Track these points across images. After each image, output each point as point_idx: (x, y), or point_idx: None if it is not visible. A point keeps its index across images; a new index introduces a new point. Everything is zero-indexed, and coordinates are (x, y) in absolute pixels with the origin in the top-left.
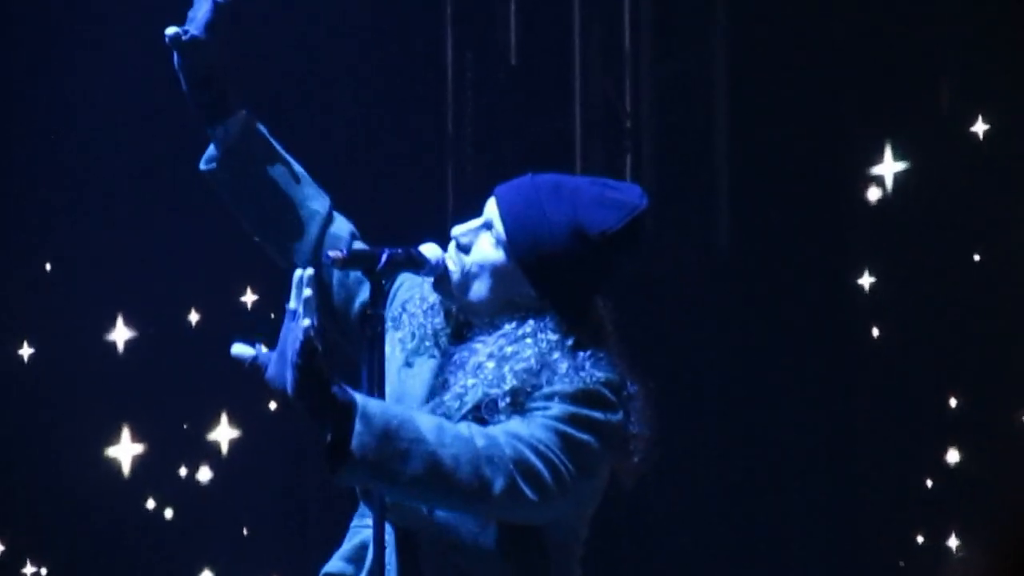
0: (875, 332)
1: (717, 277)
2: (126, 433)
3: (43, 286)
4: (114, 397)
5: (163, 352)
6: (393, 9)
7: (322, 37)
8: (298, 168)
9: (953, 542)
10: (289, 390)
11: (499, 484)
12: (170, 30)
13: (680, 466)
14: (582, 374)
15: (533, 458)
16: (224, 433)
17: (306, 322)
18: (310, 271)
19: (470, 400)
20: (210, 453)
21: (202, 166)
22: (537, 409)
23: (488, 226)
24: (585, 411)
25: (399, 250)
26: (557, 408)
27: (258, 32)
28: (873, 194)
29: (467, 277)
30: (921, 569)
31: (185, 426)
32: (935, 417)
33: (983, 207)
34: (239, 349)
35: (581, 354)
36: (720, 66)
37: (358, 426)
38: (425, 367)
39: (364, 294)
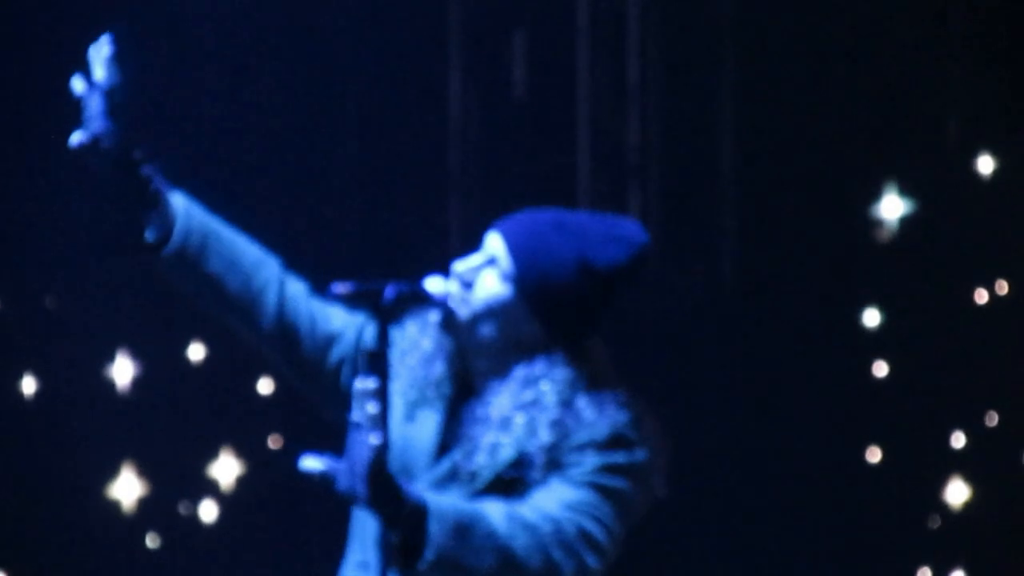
0: (881, 368)
1: (722, 312)
2: (127, 470)
3: (44, 321)
4: (115, 433)
5: (165, 387)
6: (398, 43)
7: (327, 72)
8: (241, 238)
9: None
10: (362, 501)
11: (568, 566)
12: (74, 138)
13: (682, 499)
14: (606, 418)
15: (590, 526)
16: (226, 469)
17: (373, 440)
18: (371, 383)
19: (504, 457)
20: (211, 489)
21: (144, 251)
22: (572, 465)
23: (492, 262)
24: (616, 458)
25: (404, 286)
26: (591, 461)
27: (260, 69)
28: (879, 231)
29: (474, 316)
30: None
31: (186, 462)
32: (942, 454)
33: (990, 245)
34: (309, 463)
35: (598, 393)
36: (727, 102)
37: (432, 526)
38: (430, 420)
39: (342, 346)
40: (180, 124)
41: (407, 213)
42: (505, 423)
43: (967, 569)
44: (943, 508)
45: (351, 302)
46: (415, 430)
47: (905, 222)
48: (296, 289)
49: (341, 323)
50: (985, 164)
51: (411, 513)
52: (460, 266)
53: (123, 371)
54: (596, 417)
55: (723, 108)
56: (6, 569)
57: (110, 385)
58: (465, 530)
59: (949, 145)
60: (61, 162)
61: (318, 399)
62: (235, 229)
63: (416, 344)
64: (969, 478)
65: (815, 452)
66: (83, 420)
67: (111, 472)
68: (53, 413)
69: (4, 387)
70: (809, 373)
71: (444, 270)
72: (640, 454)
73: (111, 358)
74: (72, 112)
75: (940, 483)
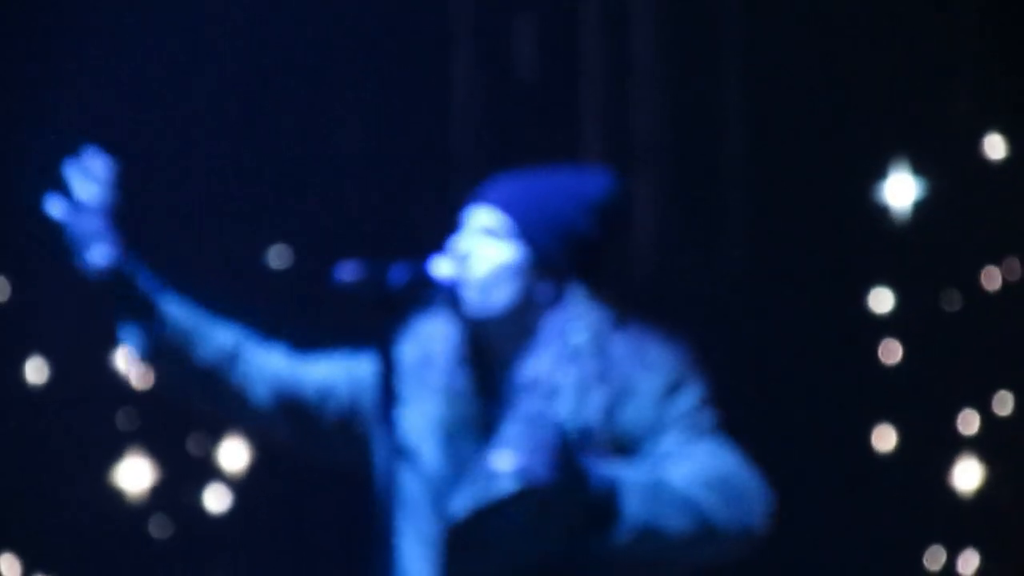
0: (891, 351)
1: (731, 296)
2: (135, 457)
3: (51, 307)
4: (123, 419)
5: None
6: (401, 26)
7: (329, 56)
8: (217, 332)
9: (972, 564)
10: (556, 489)
11: (750, 514)
12: (93, 260)
13: None
14: (663, 357)
15: (739, 469)
16: (234, 456)
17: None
18: (543, 363)
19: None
20: (220, 477)
21: (133, 353)
22: (667, 416)
23: (487, 232)
24: (699, 392)
25: (410, 269)
26: (684, 406)
27: (260, 51)
28: (890, 213)
29: (486, 290)
30: None
31: (194, 449)
32: (953, 437)
33: (1001, 225)
34: (502, 462)
35: (629, 332)
36: (735, 84)
37: (625, 497)
38: (472, 426)
39: (339, 396)
40: (178, 106)
41: (408, 198)
42: (552, 386)
43: (980, 550)
44: (955, 491)
45: (356, 290)
46: (460, 444)
47: (916, 204)
48: (275, 361)
49: (325, 373)
50: (996, 145)
51: (600, 488)
52: (453, 248)
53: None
54: (654, 358)
55: (731, 90)
56: (15, 553)
57: (117, 371)
58: (653, 495)
59: (959, 125)
60: (69, 144)
61: (343, 457)
62: (208, 316)
63: (430, 358)
64: (982, 461)
65: (825, 434)
66: (90, 406)
67: (118, 458)
68: (61, 399)
69: (12, 372)
70: (817, 356)
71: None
72: (702, 382)
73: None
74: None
75: (951, 466)
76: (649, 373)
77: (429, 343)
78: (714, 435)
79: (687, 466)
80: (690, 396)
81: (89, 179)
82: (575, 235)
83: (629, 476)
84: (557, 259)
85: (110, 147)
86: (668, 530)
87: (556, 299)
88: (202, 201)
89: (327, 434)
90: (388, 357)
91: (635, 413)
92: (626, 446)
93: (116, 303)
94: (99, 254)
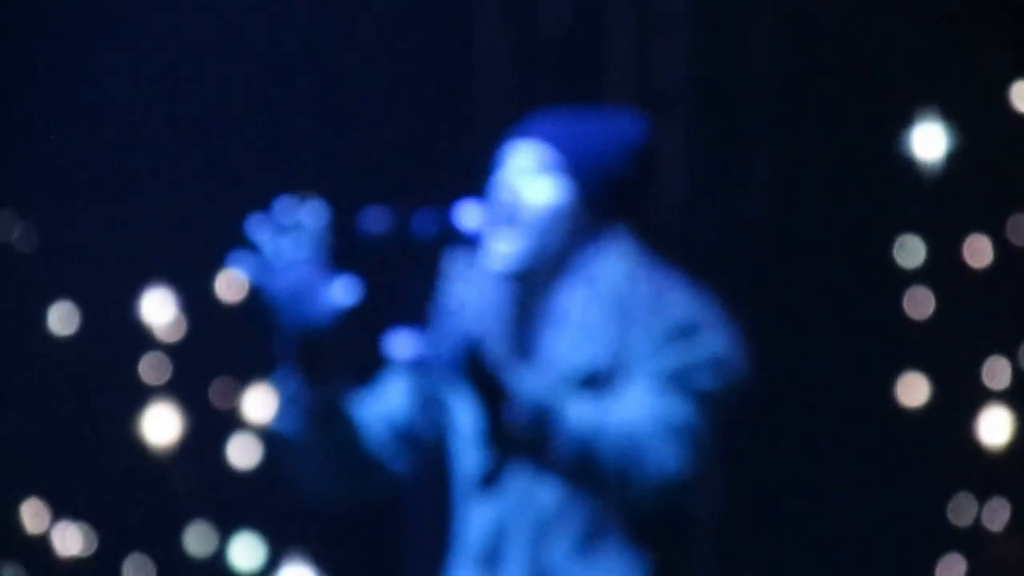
0: (919, 302)
1: (757, 246)
2: (161, 406)
3: (78, 254)
4: (148, 369)
5: (201, 322)
6: None
7: (352, 7)
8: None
9: (1002, 517)
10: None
11: (680, 455)
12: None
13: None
14: (682, 300)
15: (692, 416)
16: (260, 406)
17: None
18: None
19: (591, 359)
20: (246, 427)
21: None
22: (659, 355)
23: (535, 168)
24: (698, 342)
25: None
26: (678, 351)
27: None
28: (917, 163)
29: (537, 230)
30: (966, 540)
31: (218, 399)
32: (981, 389)
33: None
34: (400, 346)
35: (659, 274)
36: (763, 34)
37: (552, 415)
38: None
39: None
40: (197, 50)
41: (431, 149)
42: (585, 324)
43: (1011, 499)
44: (983, 444)
45: (381, 240)
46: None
47: (944, 154)
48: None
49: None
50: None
51: (529, 405)
52: (502, 185)
53: (157, 306)
54: (674, 302)
55: (759, 39)
56: (42, 499)
57: (144, 320)
58: (587, 418)
59: (988, 74)
60: (100, 89)
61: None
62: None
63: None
64: (1011, 412)
65: (851, 386)
66: (117, 354)
67: (142, 408)
68: (87, 346)
69: (38, 320)
70: (841, 306)
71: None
72: (719, 332)
73: (145, 291)
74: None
75: (979, 418)
76: (663, 317)
77: (466, 301)
78: (691, 398)
79: (631, 398)
80: (693, 351)
81: (296, 231)
82: (618, 175)
83: (559, 393)
84: (604, 198)
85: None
86: (597, 450)
87: (598, 239)
88: (220, 150)
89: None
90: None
91: (636, 348)
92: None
93: (298, 371)
94: (320, 308)
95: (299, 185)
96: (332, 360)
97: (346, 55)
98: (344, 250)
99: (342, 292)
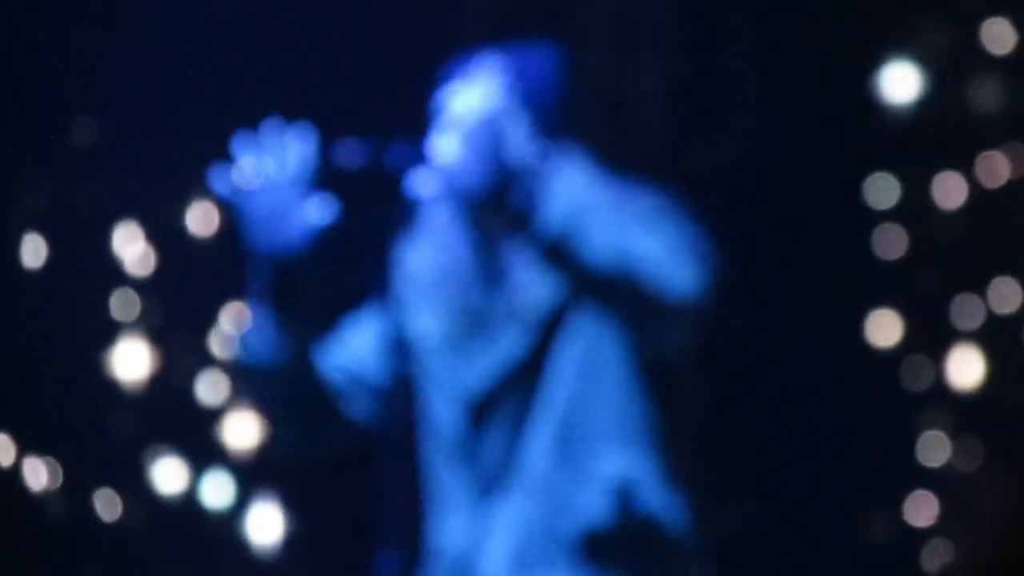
0: (890, 242)
1: (729, 185)
2: (131, 341)
3: (48, 190)
4: (119, 304)
5: (170, 259)
6: None
7: None
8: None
9: (972, 455)
10: None
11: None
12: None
13: None
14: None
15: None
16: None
17: None
18: None
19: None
20: (215, 363)
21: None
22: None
23: (487, 95)
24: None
25: (409, 149)
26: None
27: None
28: (890, 106)
29: (485, 150)
30: (936, 479)
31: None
32: (952, 330)
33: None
34: None
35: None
36: None
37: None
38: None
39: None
40: None
41: (403, 80)
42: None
43: (982, 438)
44: (953, 383)
45: (355, 172)
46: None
47: (917, 97)
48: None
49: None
50: (1002, 32)
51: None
52: (454, 110)
53: (128, 241)
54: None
55: None
56: (9, 434)
57: (115, 255)
58: (581, 216)
59: (959, 13)
60: (73, 20)
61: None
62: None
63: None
64: (982, 351)
65: (819, 323)
66: (88, 290)
67: (113, 343)
68: (57, 282)
69: (9, 254)
70: (812, 247)
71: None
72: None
73: (116, 227)
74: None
75: (949, 357)
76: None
77: (437, 254)
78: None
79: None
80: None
81: (281, 152)
82: (570, 98)
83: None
84: (557, 120)
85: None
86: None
87: (553, 160)
88: (193, 83)
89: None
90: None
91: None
92: None
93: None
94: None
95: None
96: (303, 300)
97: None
98: (318, 182)
99: (316, 212)
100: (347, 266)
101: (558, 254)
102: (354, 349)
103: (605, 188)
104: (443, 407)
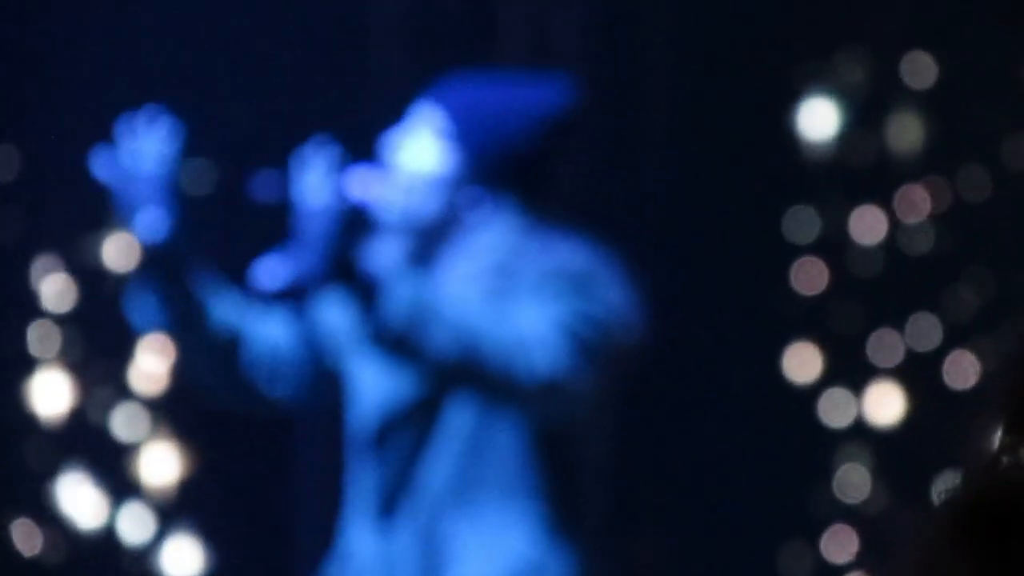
0: (809, 275)
1: (647, 218)
2: (49, 374)
3: None
4: (36, 337)
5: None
6: None
7: None
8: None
9: (890, 491)
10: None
11: (532, 375)
12: (143, 228)
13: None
14: (570, 256)
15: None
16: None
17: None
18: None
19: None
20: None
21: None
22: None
23: (428, 133)
24: (580, 299)
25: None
26: (557, 301)
27: None
28: (808, 144)
29: (416, 194)
30: (854, 514)
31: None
32: (870, 367)
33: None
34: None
35: (556, 235)
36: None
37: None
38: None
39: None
40: None
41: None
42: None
43: (900, 473)
44: (871, 419)
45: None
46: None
47: (836, 134)
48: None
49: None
50: (923, 66)
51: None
52: (394, 145)
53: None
54: (567, 254)
55: (654, 11)
56: None
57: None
58: (425, 309)
59: (878, 48)
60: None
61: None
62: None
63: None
64: (900, 388)
65: (737, 356)
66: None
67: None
68: None
69: None
70: (730, 281)
71: (361, 136)
72: (613, 286)
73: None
74: None
75: (867, 393)
76: (555, 269)
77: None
78: (580, 348)
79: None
80: (584, 302)
81: (148, 140)
82: (519, 148)
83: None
84: (495, 171)
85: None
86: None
87: (483, 210)
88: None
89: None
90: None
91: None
92: None
93: (156, 276)
94: (152, 224)
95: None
96: (187, 269)
97: (245, 19)
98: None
99: (162, 218)
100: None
101: (402, 349)
102: (279, 327)
103: (527, 240)
104: (358, 414)
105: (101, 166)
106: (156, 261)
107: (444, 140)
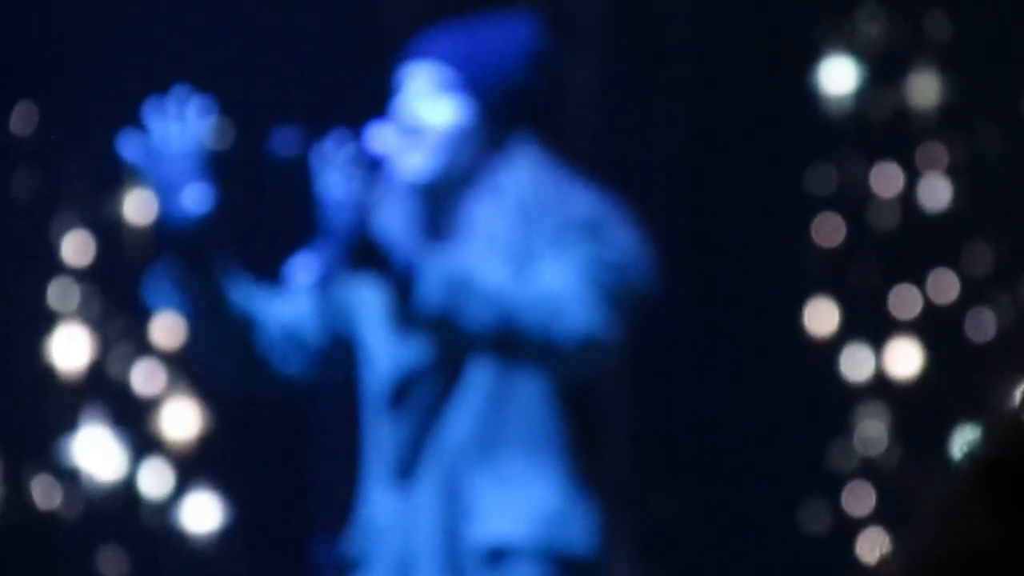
0: (828, 230)
1: (667, 170)
2: (70, 329)
3: None
4: (57, 292)
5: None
6: None
7: None
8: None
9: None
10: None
11: (571, 348)
12: (185, 207)
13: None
14: (586, 200)
15: (589, 313)
16: (169, 332)
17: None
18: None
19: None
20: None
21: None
22: (559, 249)
23: (433, 88)
24: (602, 244)
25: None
26: (579, 247)
27: None
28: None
29: (440, 151)
30: (872, 469)
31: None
32: (891, 318)
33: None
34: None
35: (568, 178)
36: None
37: (422, 282)
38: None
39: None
40: None
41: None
42: (492, 235)
43: (920, 429)
44: (891, 373)
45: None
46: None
47: (856, 92)
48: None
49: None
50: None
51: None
52: (403, 107)
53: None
54: (582, 200)
55: None
56: None
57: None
58: (458, 287)
59: (898, 7)
60: None
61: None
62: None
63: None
64: (919, 342)
65: (757, 309)
66: (24, 277)
67: (50, 332)
68: None
69: None
70: (751, 236)
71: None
72: (626, 233)
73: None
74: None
75: (887, 347)
76: (570, 216)
77: (375, 226)
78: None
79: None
80: (599, 248)
81: (180, 121)
82: (517, 83)
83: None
84: (506, 108)
85: None
86: (465, 321)
87: (504, 149)
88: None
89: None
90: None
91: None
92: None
93: (178, 258)
94: (192, 201)
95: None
96: (211, 255)
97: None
98: (255, 169)
99: (195, 199)
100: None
101: (439, 329)
102: (293, 307)
103: (554, 184)
104: (376, 377)
105: (130, 148)
106: (180, 243)
107: (449, 91)
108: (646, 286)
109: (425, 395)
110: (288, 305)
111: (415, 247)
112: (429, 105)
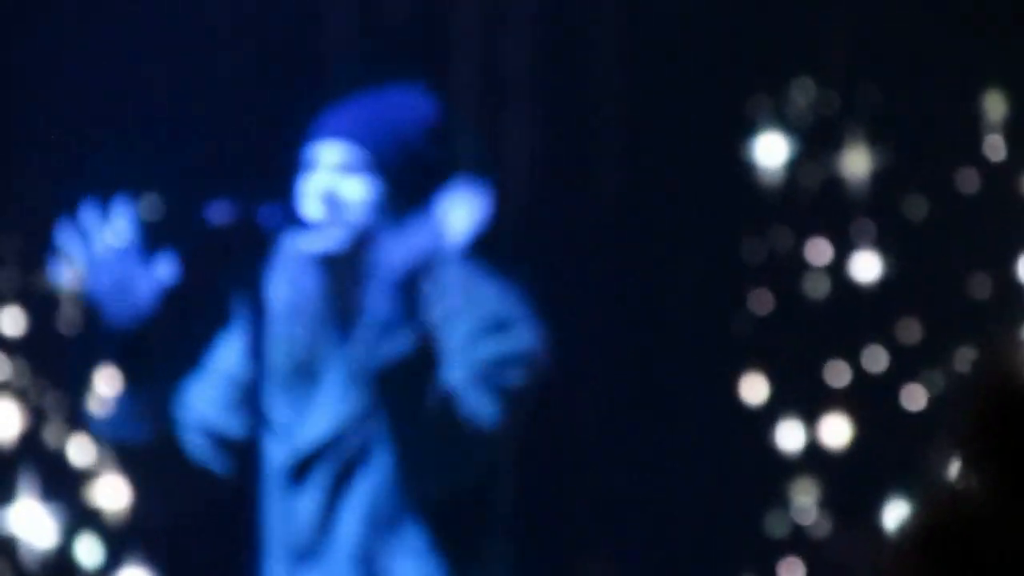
0: (760, 300)
1: (596, 241)
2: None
3: None
4: None
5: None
6: None
7: None
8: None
9: (840, 517)
10: None
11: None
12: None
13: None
14: (493, 296)
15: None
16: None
17: None
18: None
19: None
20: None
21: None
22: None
23: (341, 168)
24: (507, 343)
25: (279, 210)
26: (486, 349)
27: None
28: (760, 169)
29: (351, 228)
30: (803, 541)
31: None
32: (824, 389)
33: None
34: None
35: (477, 263)
36: (608, 33)
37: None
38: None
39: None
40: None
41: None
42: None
43: (850, 499)
44: (823, 444)
45: (226, 232)
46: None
47: (788, 164)
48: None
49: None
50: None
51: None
52: (313, 186)
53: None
54: (481, 297)
55: (604, 38)
56: None
57: None
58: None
59: (826, 83)
60: None
61: None
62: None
63: (294, 304)
64: (850, 414)
65: (690, 383)
66: None
67: None
68: None
69: None
70: (684, 307)
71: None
72: (528, 334)
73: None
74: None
75: (819, 419)
76: (470, 311)
77: (291, 289)
78: (499, 391)
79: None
80: (500, 345)
81: (108, 234)
82: (422, 160)
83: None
84: (412, 187)
85: None
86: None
87: (406, 228)
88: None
89: None
90: (257, 303)
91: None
92: None
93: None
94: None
95: (135, 182)
96: (155, 359)
97: (191, 49)
98: (185, 242)
99: (163, 271)
100: (196, 322)
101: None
102: (207, 401)
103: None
104: (276, 454)
105: (69, 244)
106: (124, 351)
107: (356, 169)
108: (543, 381)
109: (325, 473)
110: (198, 401)
111: (313, 325)
112: (341, 184)
